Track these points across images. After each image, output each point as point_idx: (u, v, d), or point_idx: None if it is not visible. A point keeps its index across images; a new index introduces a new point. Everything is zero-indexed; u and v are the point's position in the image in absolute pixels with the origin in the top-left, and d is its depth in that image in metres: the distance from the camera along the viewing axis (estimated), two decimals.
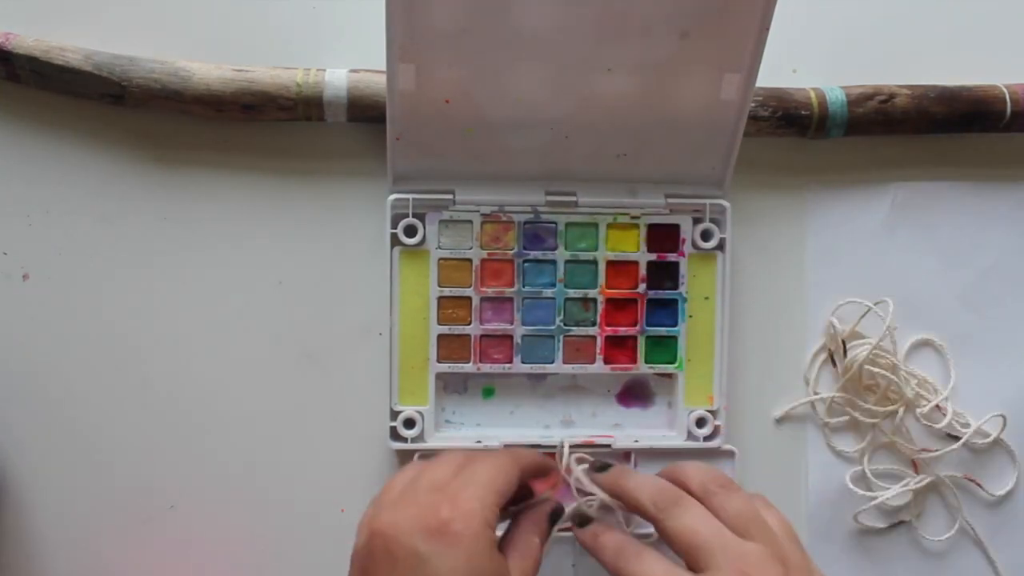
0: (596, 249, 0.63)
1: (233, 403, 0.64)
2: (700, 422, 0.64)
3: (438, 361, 0.62)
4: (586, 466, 0.59)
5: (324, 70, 0.62)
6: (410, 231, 0.61)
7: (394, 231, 0.61)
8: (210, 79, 0.61)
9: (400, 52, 0.55)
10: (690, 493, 0.55)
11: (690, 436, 0.64)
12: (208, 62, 0.62)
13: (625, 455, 0.64)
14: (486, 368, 0.63)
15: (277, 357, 0.64)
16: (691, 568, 0.51)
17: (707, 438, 0.64)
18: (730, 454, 0.64)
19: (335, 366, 0.64)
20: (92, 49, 0.61)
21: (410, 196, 0.61)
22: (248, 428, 0.64)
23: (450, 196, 0.61)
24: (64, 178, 0.63)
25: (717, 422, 0.64)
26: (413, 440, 0.62)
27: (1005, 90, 0.66)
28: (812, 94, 0.64)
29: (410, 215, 0.61)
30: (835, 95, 0.64)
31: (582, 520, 0.58)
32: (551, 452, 0.60)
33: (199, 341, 0.64)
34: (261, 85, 0.61)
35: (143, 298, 0.64)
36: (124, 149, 0.64)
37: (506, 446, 0.62)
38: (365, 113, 0.62)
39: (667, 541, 0.53)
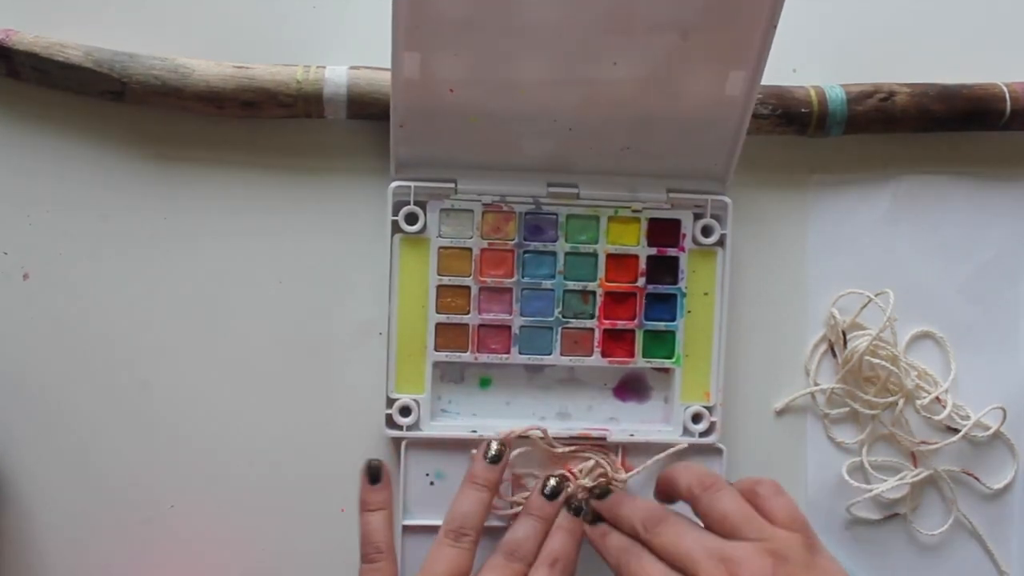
0: (596, 242, 0.63)
1: (233, 402, 0.64)
2: (696, 418, 0.64)
3: (436, 350, 0.62)
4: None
5: (324, 67, 0.62)
6: (411, 219, 0.61)
7: (395, 218, 0.61)
8: (210, 76, 0.61)
9: (405, 40, 0.55)
10: (680, 497, 0.57)
11: (685, 432, 0.64)
12: (208, 59, 0.62)
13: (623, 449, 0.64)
14: (483, 358, 0.63)
15: (277, 356, 0.64)
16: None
17: (703, 434, 0.64)
18: (718, 451, 0.64)
19: (335, 365, 0.64)
20: (92, 46, 0.61)
21: (412, 184, 0.61)
22: (248, 428, 0.64)
23: (452, 185, 0.62)
24: (64, 175, 0.63)
25: (713, 418, 0.64)
26: (409, 428, 0.62)
27: (1005, 88, 0.66)
28: (812, 92, 0.65)
29: (411, 203, 0.61)
30: (835, 93, 0.65)
31: (594, 518, 0.60)
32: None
33: (198, 339, 0.64)
34: (261, 82, 0.61)
35: (143, 297, 0.64)
36: (124, 146, 0.64)
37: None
38: (365, 110, 0.62)
39: (661, 559, 0.54)
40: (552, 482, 0.61)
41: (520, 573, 0.58)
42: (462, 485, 0.60)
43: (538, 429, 0.62)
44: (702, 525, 0.55)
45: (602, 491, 0.60)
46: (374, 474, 0.62)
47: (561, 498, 0.61)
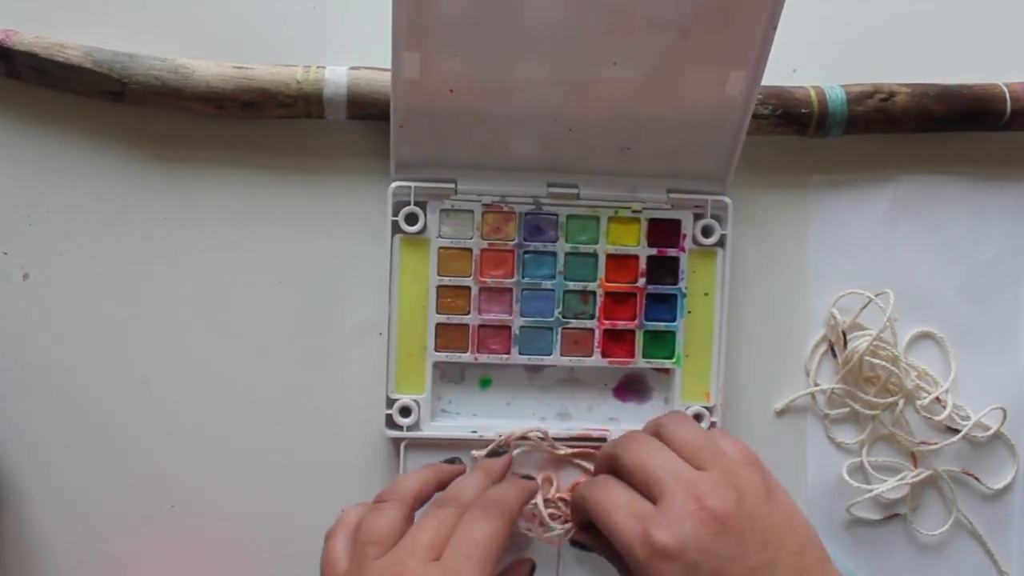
0: (596, 242, 0.63)
1: (233, 402, 0.64)
2: (696, 418, 0.64)
3: (436, 350, 0.62)
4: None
5: (324, 67, 0.62)
6: (411, 219, 0.61)
7: (395, 219, 0.61)
8: (210, 76, 0.61)
9: (405, 40, 0.55)
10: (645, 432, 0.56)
11: None
12: (208, 59, 0.62)
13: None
14: (484, 358, 0.63)
15: (277, 356, 0.64)
16: (650, 499, 0.51)
17: None
18: None
19: (335, 365, 0.65)
20: (92, 46, 0.61)
21: (412, 184, 0.61)
22: (248, 427, 0.64)
23: (452, 185, 0.62)
24: (64, 176, 0.63)
25: (713, 419, 0.64)
26: (409, 428, 0.62)
27: (1005, 88, 0.66)
28: (812, 92, 0.65)
29: (412, 203, 0.61)
30: (835, 93, 0.65)
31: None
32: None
33: (198, 340, 0.64)
34: (261, 82, 0.61)
35: (143, 297, 0.64)
36: (124, 146, 0.64)
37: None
38: (365, 110, 0.62)
39: (625, 478, 0.53)
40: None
41: (453, 516, 0.54)
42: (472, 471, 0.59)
43: (539, 431, 0.62)
44: None
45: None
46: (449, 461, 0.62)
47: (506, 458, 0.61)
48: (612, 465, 0.54)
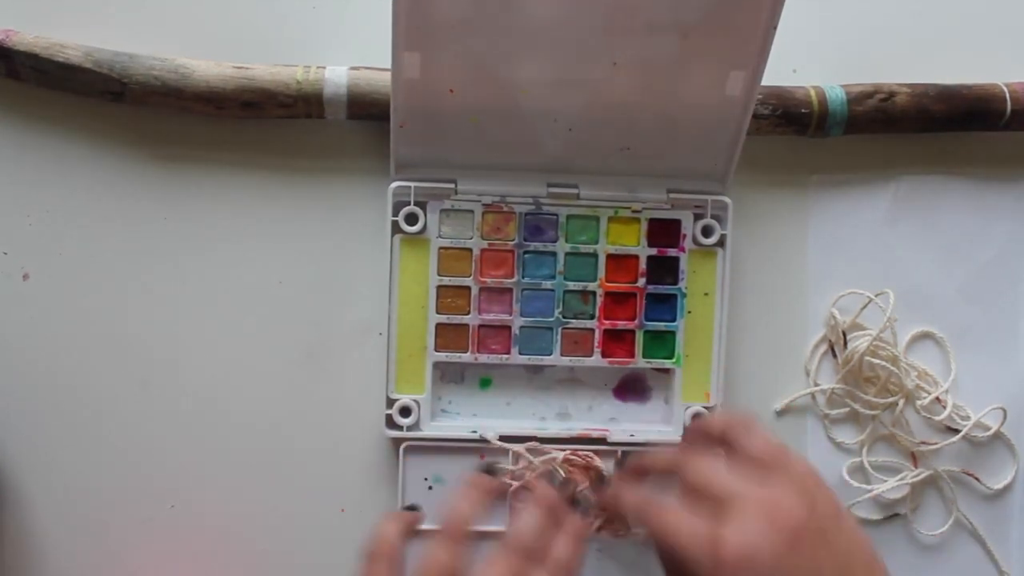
0: (597, 242, 0.63)
1: (233, 403, 0.64)
2: (696, 418, 0.64)
3: (436, 350, 0.62)
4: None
5: (324, 67, 0.62)
6: (411, 219, 0.61)
7: (395, 219, 0.61)
8: (210, 76, 0.61)
9: (406, 40, 0.55)
10: (714, 441, 0.55)
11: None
12: (208, 59, 0.62)
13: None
14: (484, 358, 0.63)
15: (277, 357, 0.64)
16: (717, 517, 0.50)
17: None
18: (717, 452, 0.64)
19: (335, 365, 0.65)
20: (92, 46, 0.61)
21: (412, 184, 0.61)
22: (248, 428, 0.64)
23: (452, 185, 0.62)
24: (64, 176, 0.63)
25: None
26: (409, 428, 0.62)
27: (1005, 88, 0.66)
28: (812, 92, 0.65)
29: (412, 203, 0.61)
30: (835, 93, 0.65)
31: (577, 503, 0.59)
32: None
33: (199, 340, 0.64)
34: (261, 82, 0.61)
35: (143, 297, 0.64)
36: (124, 146, 0.64)
37: (501, 438, 0.62)
38: (365, 110, 0.62)
39: (690, 497, 0.52)
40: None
41: (519, 570, 0.54)
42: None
43: (532, 441, 0.62)
44: None
45: (599, 477, 0.61)
46: (409, 507, 0.60)
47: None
48: (675, 478, 0.54)
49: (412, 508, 0.59)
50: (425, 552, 0.54)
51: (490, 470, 0.59)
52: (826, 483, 0.52)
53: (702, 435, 0.56)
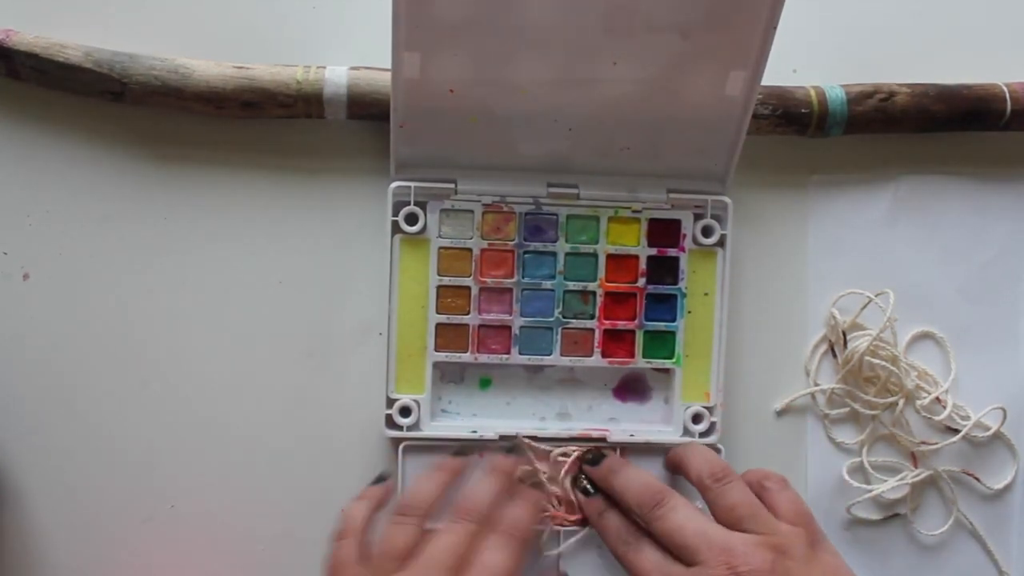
0: (597, 242, 0.63)
1: (233, 403, 0.64)
2: (696, 418, 0.64)
3: (436, 350, 0.62)
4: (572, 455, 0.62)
5: (324, 67, 0.62)
6: (411, 219, 0.61)
7: (395, 219, 0.61)
8: (210, 76, 0.61)
9: (406, 40, 0.55)
10: (690, 481, 0.58)
11: (686, 432, 0.64)
12: (208, 59, 0.62)
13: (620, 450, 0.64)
14: (483, 358, 0.63)
15: (277, 357, 0.64)
16: (683, 563, 0.53)
17: (703, 434, 0.64)
18: (718, 451, 0.64)
19: (335, 365, 0.65)
20: (92, 46, 0.61)
21: (412, 184, 0.61)
22: (248, 428, 0.64)
23: (452, 185, 0.61)
24: (64, 176, 0.63)
25: (713, 418, 0.64)
26: (409, 428, 0.62)
27: (1005, 88, 0.66)
28: (812, 92, 0.65)
29: (411, 203, 0.61)
30: (835, 93, 0.65)
31: (585, 491, 0.61)
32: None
33: (199, 340, 0.64)
34: (261, 82, 0.61)
35: (143, 297, 0.64)
36: (124, 146, 0.64)
37: (502, 437, 0.62)
38: (365, 110, 0.62)
39: (658, 540, 0.55)
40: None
41: (469, 533, 0.56)
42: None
43: (527, 438, 0.63)
44: (700, 506, 0.57)
45: (595, 456, 0.61)
46: (377, 478, 0.62)
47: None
48: (649, 528, 0.56)
49: (382, 479, 0.61)
50: (385, 530, 0.55)
51: (461, 452, 0.61)
52: (810, 521, 0.56)
53: (679, 472, 0.61)
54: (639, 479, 0.58)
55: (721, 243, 0.64)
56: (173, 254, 0.64)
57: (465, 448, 0.61)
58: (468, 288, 0.62)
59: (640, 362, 0.64)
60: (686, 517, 0.55)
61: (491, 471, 0.60)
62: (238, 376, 0.64)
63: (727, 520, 0.55)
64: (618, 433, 0.63)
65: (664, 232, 0.63)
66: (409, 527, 0.56)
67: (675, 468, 0.61)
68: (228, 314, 0.64)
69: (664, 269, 0.63)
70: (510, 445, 0.62)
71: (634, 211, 0.63)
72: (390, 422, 0.62)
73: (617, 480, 0.59)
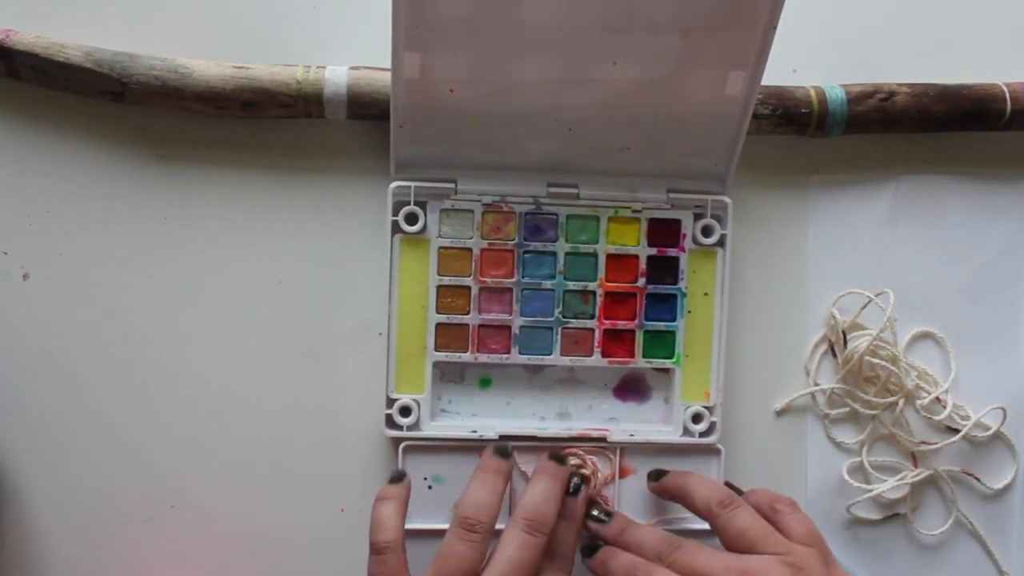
0: (597, 242, 0.63)
1: (233, 402, 0.64)
2: (696, 418, 0.64)
3: (436, 350, 0.62)
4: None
5: (324, 67, 0.62)
6: (411, 219, 0.61)
7: (395, 219, 0.61)
8: (210, 76, 0.61)
9: (406, 40, 0.55)
10: (696, 512, 0.59)
11: (686, 432, 0.64)
12: (208, 59, 0.62)
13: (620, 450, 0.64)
14: (483, 358, 0.63)
15: (277, 356, 0.64)
16: None
17: (703, 434, 0.64)
18: (717, 451, 0.64)
19: (335, 365, 0.64)
20: (92, 46, 0.61)
21: (412, 184, 0.61)
22: (248, 427, 0.64)
23: (452, 185, 0.61)
24: (64, 176, 0.63)
25: (713, 418, 0.64)
26: (409, 428, 0.62)
27: (1005, 88, 0.66)
28: (812, 92, 0.65)
29: (411, 203, 0.61)
30: (835, 93, 0.65)
31: (589, 551, 0.60)
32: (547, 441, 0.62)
33: (199, 340, 0.64)
34: (261, 82, 0.61)
35: (143, 297, 0.64)
36: (124, 146, 0.64)
37: (501, 437, 0.62)
38: (365, 110, 0.62)
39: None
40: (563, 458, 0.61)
41: (543, 546, 0.56)
42: (473, 476, 0.59)
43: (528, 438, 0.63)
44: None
45: (575, 488, 0.61)
46: (395, 476, 0.60)
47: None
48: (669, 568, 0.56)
49: (400, 476, 0.59)
50: (451, 545, 0.55)
51: (503, 452, 0.60)
52: (821, 543, 0.56)
53: (684, 503, 0.61)
54: (656, 532, 0.59)
55: (721, 243, 0.64)
56: (173, 254, 0.64)
57: (506, 449, 0.60)
58: (468, 288, 0.62)
59: (640, 362, 0.64)
60: (701, 550, 0.55)
61: (547, 476, 0.59)
62: (238, 376, 0.64)
63: (739, 545, 0.55)
64: (618, 433, 0.63)
65: (664, 232, 0.63)
66: (477, 544, 0.55)
67: (676, 498, 0.61)
68: (228, 314, 0.64)
69: (664, 269, 0.63)
70: (555, 454, 0.61)
71: (634, 211, 0.63)
72: (390, 422, 0.62)
73: (632, 536, 0.59)
